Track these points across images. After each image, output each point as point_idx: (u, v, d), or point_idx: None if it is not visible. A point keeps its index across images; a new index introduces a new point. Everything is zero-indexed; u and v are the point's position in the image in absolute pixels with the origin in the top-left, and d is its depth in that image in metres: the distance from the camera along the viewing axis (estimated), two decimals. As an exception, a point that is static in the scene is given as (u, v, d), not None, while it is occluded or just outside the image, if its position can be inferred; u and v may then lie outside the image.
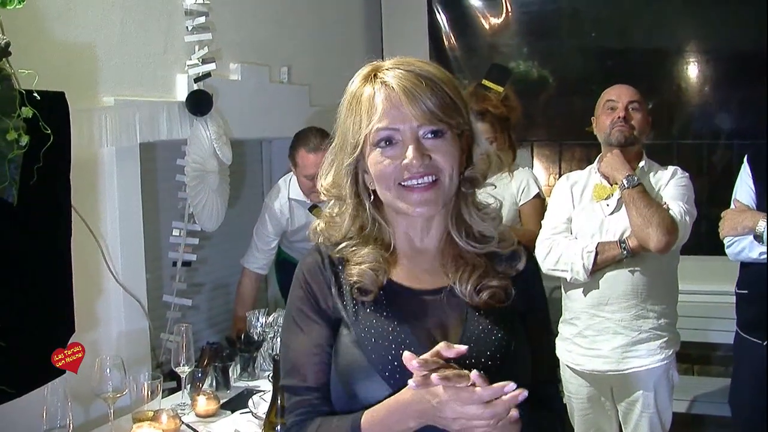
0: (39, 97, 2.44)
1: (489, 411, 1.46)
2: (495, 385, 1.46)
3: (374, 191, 1.74)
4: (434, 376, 1.45)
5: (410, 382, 1.49)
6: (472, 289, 1.72)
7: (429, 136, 1.66)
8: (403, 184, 1.67)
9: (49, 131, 2.47)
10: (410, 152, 1.64)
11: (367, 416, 1.58)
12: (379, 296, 1.70)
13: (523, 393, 1.46)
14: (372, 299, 1.69)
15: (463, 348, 1.52)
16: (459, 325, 1.70)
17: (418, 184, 1.66)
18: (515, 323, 1.74)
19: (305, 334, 1.71)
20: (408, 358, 1.50)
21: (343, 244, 1.75)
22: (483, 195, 1.82)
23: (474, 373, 1.47)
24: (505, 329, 1.70)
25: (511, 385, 1.46)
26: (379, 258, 1.72)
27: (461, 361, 1.56)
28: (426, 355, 1.51)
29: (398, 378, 1.60)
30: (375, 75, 1.69)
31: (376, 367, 1.62)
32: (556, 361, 1.74)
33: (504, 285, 1.75)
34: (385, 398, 1.59)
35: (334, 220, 1.80)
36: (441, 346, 1.52)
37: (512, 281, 1.77)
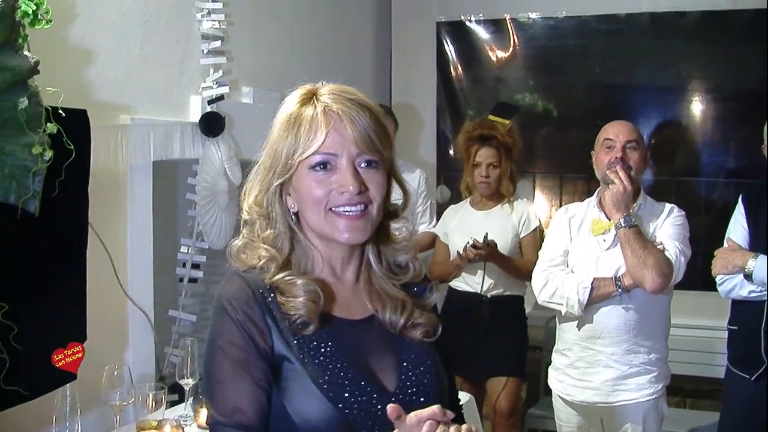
0: (63, 114, 2.56)
1: None
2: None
3: (296, 214, 1.74)
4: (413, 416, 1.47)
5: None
6: (403, 324, 1.76)
7: (363, 165, 1.68)
8: (333, 210, 1.67)
9: (72, 147, 2.59)
10: (349, 179, 1.65)
11: None
12: (319, 328, 1.67)
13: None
14: (312, 332, 1.66)
15: (451, 414, 1.51)
16: (391, 354, 1.73)
17: (349, 211, 1.67)
18: (435, 351, 1.80)
19: (246, 372, 1.63)
20: (392, 411, 1.49)
21: (281, 275, 1.69)
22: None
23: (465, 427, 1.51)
24: (432, 358, 1.77)
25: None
26: (317, 289, 1.68)
27: (403, 390, 1.67)
28: (424, 414, 1.49)
29: (349, 409, 1.61)
30: (314, 97, 1.69)
31: (335, 404, 1.60)
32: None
33: (432, 321, 1.80)
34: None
35: (257, 243, 1.74)
36: (435, 411, 1.48)
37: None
